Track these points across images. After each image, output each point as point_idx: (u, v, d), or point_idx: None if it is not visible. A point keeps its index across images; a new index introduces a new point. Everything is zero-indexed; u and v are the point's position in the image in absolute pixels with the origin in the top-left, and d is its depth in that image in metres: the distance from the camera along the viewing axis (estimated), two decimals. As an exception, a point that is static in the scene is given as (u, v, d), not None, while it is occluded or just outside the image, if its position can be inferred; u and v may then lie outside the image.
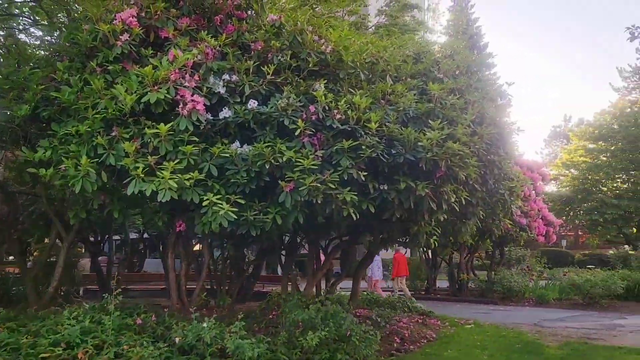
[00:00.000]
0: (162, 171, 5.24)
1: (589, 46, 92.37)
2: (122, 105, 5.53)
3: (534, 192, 16.28)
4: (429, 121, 6.46)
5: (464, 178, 6.65)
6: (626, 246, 23.85)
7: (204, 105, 5.65)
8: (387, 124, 6.27)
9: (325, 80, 6.23)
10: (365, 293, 12.38)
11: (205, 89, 5.76)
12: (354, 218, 6.06)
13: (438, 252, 16.40)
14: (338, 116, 5.95)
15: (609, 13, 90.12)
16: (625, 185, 34.78)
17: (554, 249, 37.49)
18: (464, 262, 16.64)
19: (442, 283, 18.21)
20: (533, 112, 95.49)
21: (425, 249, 17.24)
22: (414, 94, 7.01)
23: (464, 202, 7.02)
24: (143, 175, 5.32)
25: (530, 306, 14.40)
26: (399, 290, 15.37)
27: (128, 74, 5.88)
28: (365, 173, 6.01)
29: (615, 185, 35.34)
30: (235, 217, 5.44)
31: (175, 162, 5.37)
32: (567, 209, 35.81)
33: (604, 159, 35.36)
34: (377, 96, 6.61)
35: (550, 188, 40.25)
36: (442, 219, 6.84)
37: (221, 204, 5.35)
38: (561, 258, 31.86)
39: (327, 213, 6.15)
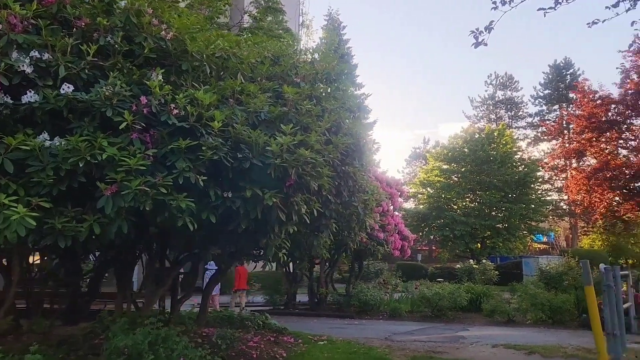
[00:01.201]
0: None
1: (454, 73, 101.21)
2: None
3: (391, 207, 16.79)
4: (282, 126, 5.99)
5: (316, 188, 6.26)
6: (471, 260, 25.81)
7: (1, 84, 4.55)
8: (234, 125, 5.65)
9: (164, 70, 5.44)
10: (218, 311, 11.57)
11: (3, 64, 4.65)
12: (191, 229, 5.33)
13: (298, 266, 16.14)
14: (175, 111, 5.19)
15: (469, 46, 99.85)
16: (472, 205, 38.13)
17: (410, 263, 39.72)
18: (324, 276, 16.55)
19: (304, 297, 17.98)
20: (398, 134, 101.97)
21: (285, 263, 16.88)
22: (269, 97, 6.51)
23: (316, 214, 6.64)
24: None
25: (384, 319, 14.65)
26: (235, 304, 15.20)
27: None
28: (206, 178, 5.32)
29: (464, 204, 38.60)
30: (35, 224, 4.41)
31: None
32: (423, 224, 38.25)
33: (456, 179, 38.48)
34: (225, 94, 5.98)
35: (410, 205, 42.82)
36: (291, 231, 6.35)
37: (15, 207, 4.29)
38: (416, 271, 33.76)
39: (159, 222, 5.34)
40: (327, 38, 34.77)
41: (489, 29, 4.50)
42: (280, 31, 12.84)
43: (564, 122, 35.02)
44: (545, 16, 5.30)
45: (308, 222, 6.44)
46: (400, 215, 18.45)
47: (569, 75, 52.73)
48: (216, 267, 10.18)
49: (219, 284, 15.37)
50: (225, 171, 5.64)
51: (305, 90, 6.81)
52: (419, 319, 14.36)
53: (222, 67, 6.32)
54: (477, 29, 4.46)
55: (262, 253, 9.00)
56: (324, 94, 7.57)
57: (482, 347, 9.54)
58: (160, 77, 5.29)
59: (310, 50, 8.55)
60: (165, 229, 5.98)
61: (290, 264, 16.99)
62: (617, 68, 13.91)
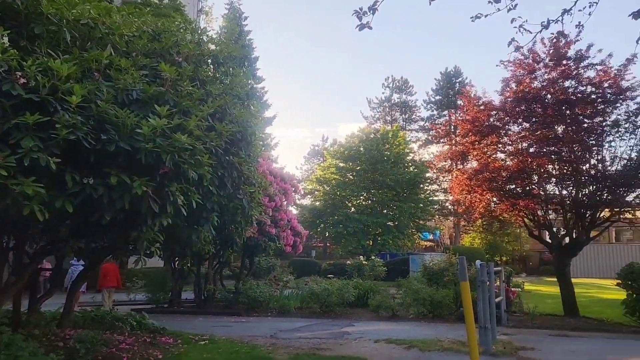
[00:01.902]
0: None
1: (355, 74, 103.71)
2: None
3: (285, 202, 16.58)
4: (156, 107, 5.42)
5: (196, 178, 5.76)
6: (361, 257, 26.43)
7: None
8: (98, 102, 5.00)
9: (10, 32, 4.64)
10: (89, 310, 10.56)
11: None
12: (41, 218, 4.61)
13: (181, 263, 15.33)
14: (23, 81, 4.45)
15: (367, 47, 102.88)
16: (366, 203, 39.27)
17: (304, 259, 39.97)
18: (212, 272, 15.91)
19: (192, 295, 17.15)
20: (298, 132, 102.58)
21: (171, 259, 15.99)
22: (144, 74, 5.89)
23: (195, 206, 6.13)
24: None
25: (273, 316, 14.38)
26: (102, 303, 14.05)
27: None
28: (60, 160, 4.63)
29: (358, 202, 39.64)
30: None
31: None
32: (318, 221, 38.67)
33: (351, 177, 39.34)
34: (90, 67, 5.28)
35: (307, 201, 43.13)
36: (165, 223, 5.80)
37: None
38: (310, 267, 34.00)
39: (1, 210, 4.56)
40: (227, 27, 33.97)
41: (372, 9, 4.33)
42: (169, 10, 12.02)
43: (452, 126, 37.20)
44: (430, 4, 5.30)
45: (185, 214, 5.92)
46: (294, 211, 18.34)
47: (457, 83, 56.20)
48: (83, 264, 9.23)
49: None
50: (86, 154, 4.98)
51: (187, 70, 6.28)
52: (307, 316, 14.26)
53: (89, 37, 5.59)
54: (361, 9, 4.27)
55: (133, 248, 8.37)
56: (209, 77, 7.07)
57: (365, 343, 9.58)
58: (5, 39, 4.49)
59: (207, 35, 7.97)
60: (11, 218, 5.16)
61: (175, 261, 16.16)
62: (499, 80, 14.69)
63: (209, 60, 7.33)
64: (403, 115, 62.57)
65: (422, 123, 60.95)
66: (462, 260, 6.45)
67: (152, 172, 5.38)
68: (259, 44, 78.09)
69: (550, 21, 5.78)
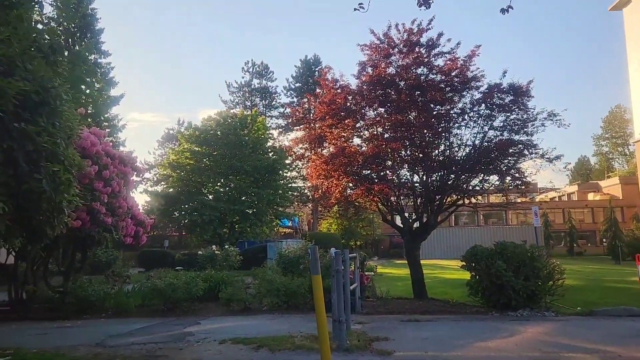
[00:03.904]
0: None
1: (216, 57, 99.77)
2: None
3: (124, 188, 14.59)
4: None
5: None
6: (213, 246, 25.08)
7: None
8: None
9: None
10: None
11: None
12: None
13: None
14: None
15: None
16: (223, 190, 37.69)
17: (155, 250, 37.29)
18: (31, 270, 13.44)
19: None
20: (154, 116, 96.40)
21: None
22: None
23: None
24: None
25: (108, 318, 12.53)
26: None
27: None
28: None
29: (215, 188, 37.89)
30: None
31: None
32: (171, 209, 36.24)
33: (207, 162, 37.46)
34: None
35: (160, 188, 40.26)
36: None
37: None
38: (163, 259, 31.66)
39: None
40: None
41: None
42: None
43: (310, 111, 37.11)
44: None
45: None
46: (141, 198, 16.40)
47: (317, 72, 56.83)
48: None
49: None
50: None
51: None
52: (149, 315, 12.66)
53: None
54: None
55: None
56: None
57: (209, 345, 8.45)
58: None
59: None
60: None
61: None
62: (356, 63, 14.37)
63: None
64: (263, 101, 61.80)
65: (282, 110, 60.77)
66: (313, 250, 5.63)
67: None
68: (109, 23, 70.95)
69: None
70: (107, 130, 36.00)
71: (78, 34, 33.67)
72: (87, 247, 14.76)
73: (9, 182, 5.29)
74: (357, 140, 15.48)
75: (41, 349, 8.43)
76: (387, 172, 14.41)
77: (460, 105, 14.29)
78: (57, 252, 14.83)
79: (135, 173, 15.62)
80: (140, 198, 44.44)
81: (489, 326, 10.11)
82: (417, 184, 14.64)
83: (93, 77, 35.03)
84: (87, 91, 34.80)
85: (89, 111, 33.48)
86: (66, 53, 35.46)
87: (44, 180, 5.59)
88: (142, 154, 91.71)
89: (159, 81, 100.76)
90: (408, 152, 14.22)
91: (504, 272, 11.19)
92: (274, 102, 62.10)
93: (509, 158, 13.83)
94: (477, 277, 11.92)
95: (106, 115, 37.00)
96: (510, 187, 14.58)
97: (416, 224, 15.12)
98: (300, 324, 10.43)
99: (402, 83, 14.33)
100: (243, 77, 61.93)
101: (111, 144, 16.38)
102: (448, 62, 14.19)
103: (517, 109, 13.77)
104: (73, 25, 34.16)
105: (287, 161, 41.18)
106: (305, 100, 57.44)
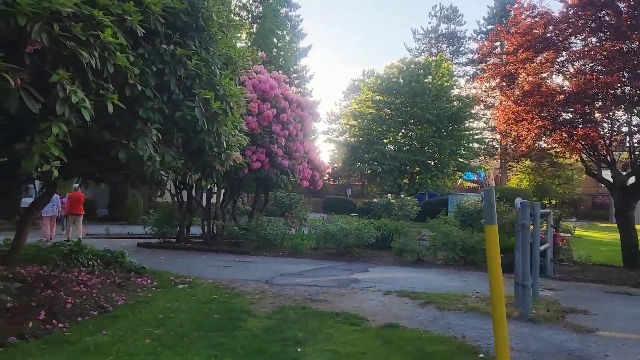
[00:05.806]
0: None
1: (401, 4, 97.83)
2: None
3: (302, 132, 14.66)
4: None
5: (93, 65, 3.94)
6: (389, 195, 24.49)
7: None
8: None
9: None
10: (57, 244, 9.28)
11: None
12: None
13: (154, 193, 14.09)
14: None
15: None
16: (403, 139, 36.67)
17: (340, 197, 38.47)
18: (220, 206, 14.45)
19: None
20: (340, 67, 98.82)
21: (178, 190, 14.64)
22: None
23: (112, 111, 4.33)
24: None
25: (284, 257, 12.89)
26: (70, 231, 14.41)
27: None
28: None
29: (396, 138, 37.04)
30: None
31: None
32: (353, 158, 36.63)
33: (388, 111, 36.67)
34: None
35: (343, 138, 41.07)
36: (57, 131, 4.00)
37: None
38: (345, 206, 32.49)
39: None
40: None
41: None
42: None
43: (501, 43, 33.31)
44: None
45: (89, 119, 4.12)
46: (326, 145, 16.50)
47: (512, 12, 51.20)
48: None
49: (56, 205, 14.79)
50: None
51: None
52: (322, 257, 12.70)
53: None
54: None
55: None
56: None
57: (373, 295, 7.86)
58: None
59: None
60: None
61: (182, 193, 14.80)
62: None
63: None
64: (450, 47, 58.19)
65: (470, 56, 56.52)
66: (487, 194, 4.43)
67: (16, 47, 3.59)
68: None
69: None
70: (296, 81, 37.67)
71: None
72: (269, 189, 15.38)
73: (162, 108, 5.13)
74: (555, 79, 13.08)
75: (216, 280, 8.81)
76: (596, 113, 11.88)
77: None
78: (243, 193, 15.77)
79: (313, 118, 15.60)
80: (325, 147, 46.00)
81: None
82: (635, 129, 11.82)
83: (283, 29, 36.52)
84: (279, 44, 36.43)
85: (280, 63, 35.20)
86: (260, 8, 37.60)
87: (196, 108, 5.33)
88: (328, 106, 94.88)
89: (345, 35, 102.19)
90: (627, 88, 11.44)
91: None
92: (462, 48, 58.08)
93: None
94: None
95: (294, 67, 38.48)
96: None
97: (631, 179, 12.32)
98: (476, 283, 9.25)
99: (621, 4, 11.46)
100: (430, 23, 59.30)
101: (299, 93, 16.60)
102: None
103: None
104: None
105: (474, 110, 38.22)
106: (498, 45, 52.68)
